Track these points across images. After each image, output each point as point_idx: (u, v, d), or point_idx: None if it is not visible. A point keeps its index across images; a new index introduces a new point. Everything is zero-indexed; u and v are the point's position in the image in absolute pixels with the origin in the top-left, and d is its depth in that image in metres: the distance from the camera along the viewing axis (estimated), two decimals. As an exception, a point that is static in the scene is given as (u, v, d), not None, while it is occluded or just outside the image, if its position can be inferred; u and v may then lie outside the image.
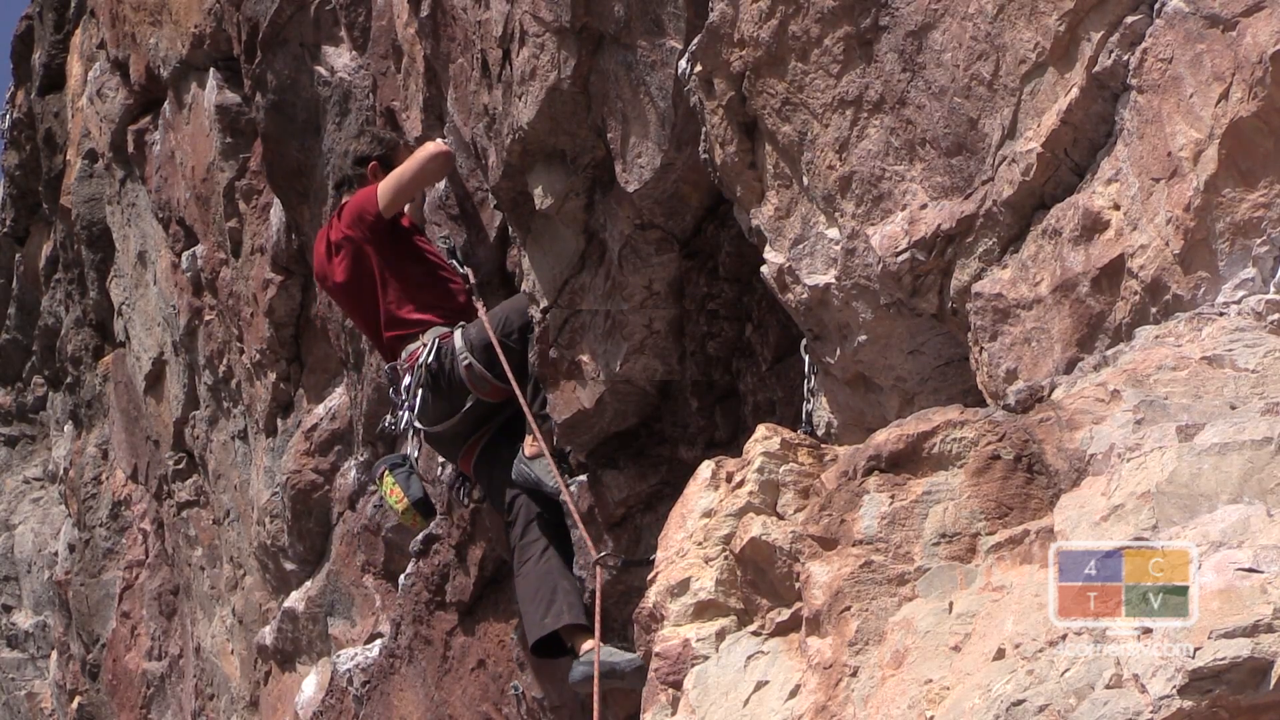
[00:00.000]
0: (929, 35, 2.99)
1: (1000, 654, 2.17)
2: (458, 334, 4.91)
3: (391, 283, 5.07)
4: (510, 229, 5.19)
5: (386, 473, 5.14)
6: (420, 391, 4.83)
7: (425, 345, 4.94)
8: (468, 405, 4.91)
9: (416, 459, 5.16)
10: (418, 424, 4.94)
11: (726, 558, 2.91)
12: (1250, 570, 1.93)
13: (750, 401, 4.60)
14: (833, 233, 3.40)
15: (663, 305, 4.73)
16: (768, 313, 4.37)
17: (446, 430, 4.93)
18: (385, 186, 5.08)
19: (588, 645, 4.75)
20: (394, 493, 5.09)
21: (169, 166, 8.51)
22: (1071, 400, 2.50)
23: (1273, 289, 2.42)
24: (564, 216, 4.76)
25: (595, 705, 4.05)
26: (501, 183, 4.85)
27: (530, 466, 4.84)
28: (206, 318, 8.35)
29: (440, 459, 5.41)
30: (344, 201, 5.39)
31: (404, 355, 5.00)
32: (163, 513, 9.80)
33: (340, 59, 6.45)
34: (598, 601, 4.50)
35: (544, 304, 5.00)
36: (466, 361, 4.84)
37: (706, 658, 2.82)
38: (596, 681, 4.23)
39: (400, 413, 4.94)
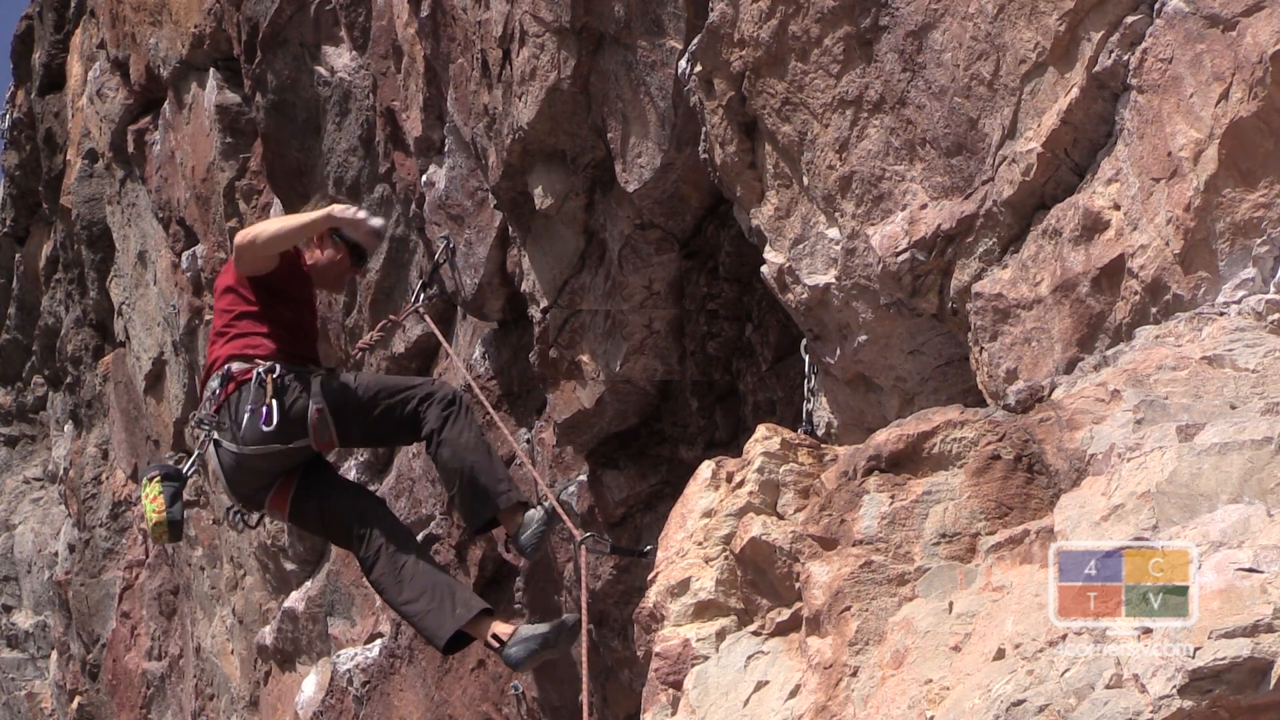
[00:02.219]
0: (929, 35, 2.99)
1: (1000, 654, 2.17)
2: (315, 379, 4.88)
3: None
4: (510, 229, 5.20)
5: (157, 479, 5.05)
6: (273, 403, 4.77)
7: (264, 366, 4.89)
8: (293, 445, 4.87)
9: (190, 475, 5.08)
10: (226, 442, 4.88)
11: (726, 558, 2.91)
12: (1250, 570, 1.93)
13: (750, 401, 4.60)
14: (833, 233, 3.40)
15: (663, 305, 4.73)
16: (768, 313, 4.37)
17: (256, 457, 4.88)
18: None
19: (504, 629, 4.78)
20: (155, 500, 4.98)
21: (169, 166, 8.51)
22: (1071, 400, 2.50)
23: (1273, 289, 2.42)
24: (564, 216, 4.76)
25: (585, 703, 4.05)
26: (501, 183, 4.85)
27: (527, 532, 4.80)
28: (207, 317, 8.34)
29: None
30: None
31: (231, 368, 4.94)
32: (163, 513, 9.80)
33: (340, 59, 6.45)
34: (584, 586, 4.51)
35: (544, 304, 5.01)
36: (319, 406, 4.81)
37: (706, 658, 2.82)
38: (585, 680, 4.22)
39: (245, 416, 4.83)
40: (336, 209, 5.18)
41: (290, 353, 5.00)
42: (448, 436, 4.80)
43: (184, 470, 5.08)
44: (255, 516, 5.17)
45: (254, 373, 4.84)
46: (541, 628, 4.74)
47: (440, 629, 4.81)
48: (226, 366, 4.94)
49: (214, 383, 4.98)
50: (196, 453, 5.13)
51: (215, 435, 4.93)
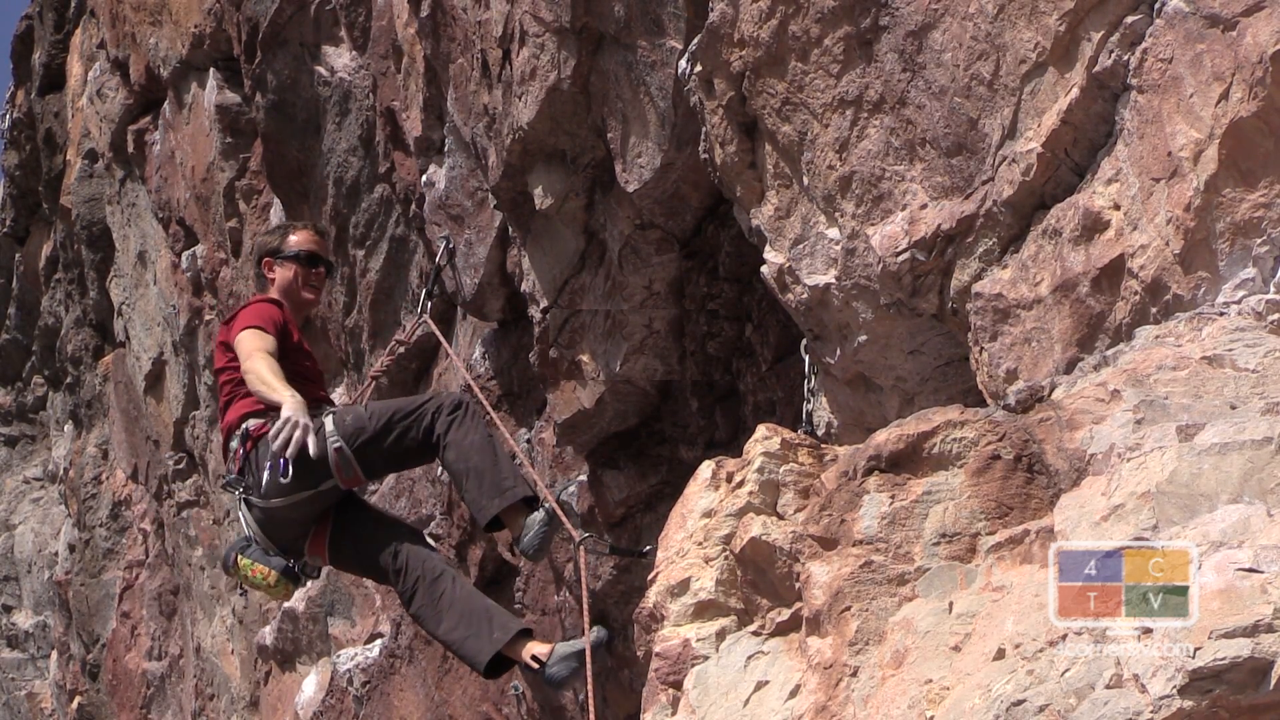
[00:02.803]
0: (929, 35, 2.99)
1: (1000, 654, 2.17)
2: (328, 418, 4.88)
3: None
4: (510, 229, 5.20)
5: (239, 556, 5.06)
6: (284, 462, 4.78)
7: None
8: (321, 488, 4.89)
9: (253, 538, 5.11)
10: (255, 499, 4.90)
11: (726, 558, 2.91)
12: (1250, 570, 1.93)
13: (750, 401, 4.60)
14: (833, 233, 3.40)
15: (663, 305, 4.73)
16: (768, 313, 4.37)
17: (286, 507, 4.90)
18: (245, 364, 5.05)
19: (542, 649, 4.79)
20: (257, 571, 5.02)
21: (169, 166, 8.52)
22: (1071, 400, 2.50)
23: (1273, 289, 2.42)
24: (564, 216, 4.76)
25: (591, 701, 4.05)
26: (501, 183, 4.85)
27: (529, 534, 4.81)
28: (206, 318, 8.36)
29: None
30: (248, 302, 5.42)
31: (248, 426, 4.96)
32: (163, 513, 9.81)
33: (340, 59, 6.45)
34: (584, 586, 4.50)
35: (544, 304, 5.01)
36: (337, 445, 4.82)
37: (706, 658, 2.82)
38: (590, 676, 4.22)
39: (265, 472, 4.85)
40: (285, 411, 4.97)
41: (309, 399, 5.01)
42: (452, 439, 4.82)
43: (249, 536, 5.10)
44: (314, 569, 5.19)
45: (268, 427, 4.86)
46: (579, 644, 4.71)
47: (480, 654, 4.83)
48: (244, 425, 4.98)
49: (234, 443, 5.02)
50: (240, 514, 5.14)
51: (242, 494, 4.96)
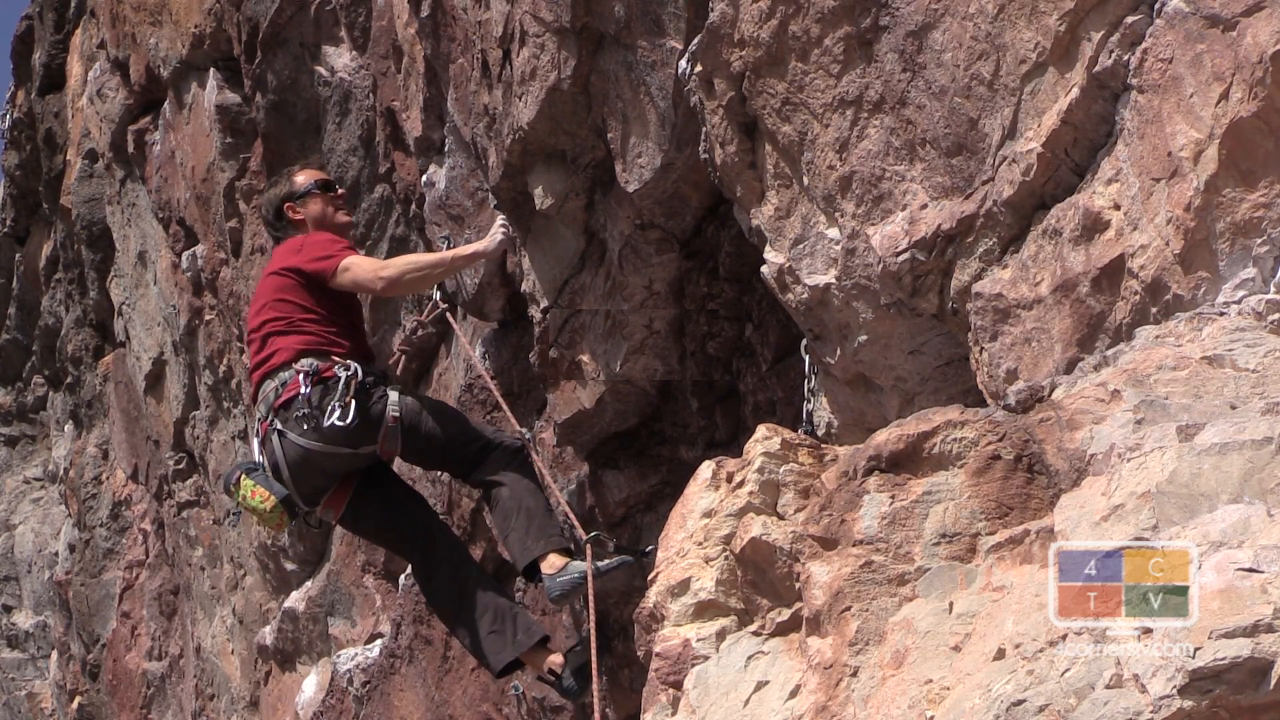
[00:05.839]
0: (929, 35, 2.99)
1: (1000, 654, 2.17)
2: (393, 391, 4.85)
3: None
4: (510, 229, 5.19)
5: (244, 476, 4.95)
6: (352, 402, 4.75)
7: (345, 366, 4.85)
8: (360, 450, 4.85)
9: (263, 465, 5.02)
10: (301, 439, 4.77)
11: (727, 558, 2.91)
12: (1250, 570, 1.93)
13: (750, 401, 4.60)
14: (833, 233, 3.41)
15: (663, 305, 4.73)
16: (768, 313, 4.37)
17: (324, 455, 4.85)
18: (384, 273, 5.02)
19: (556, 660, 4.80)
20: (257, 494, 4.89)
21: (169, 166, 8.51)
22: (1072, 400, 2.50)
23: (1273, 289, 2.42)
24: (564, 216, 4.76)
25: (595, 703, 4.05)
26: (501, 183, 4.85)
27: (565, 577, 4.76)
28: (207, 318, 8.36)
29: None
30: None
31: (315, 363, 4.88)
32: (163, 513, 9.81)
33: (340, 59, 6.45)
34: (589, 584, 4.50)
35: (544, 304, 5.01)
36: (396, 412, 4.79)
37: (707, 658, 2.82)
38: (595, 681, 4.22)
39: (332, 409, 4.78)
40: (490, 244, 5.12)
41: (364, 354, 4.98)
42: (507, 480, 4.78)
43: (259, 460, 5.00)
44: (314, 516, 5.11)
45: (334, 370, 4.80)
46: (585, 654, 4.70)
47: (500, 654, 4.81)
48: (301, 360, 4.86)
49: (284, 374, 4.87)
50: (256, 443, 5.04)
51: (281, 428, 4.85)
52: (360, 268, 4.92)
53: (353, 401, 4.71)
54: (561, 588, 4.62)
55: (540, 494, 4.82)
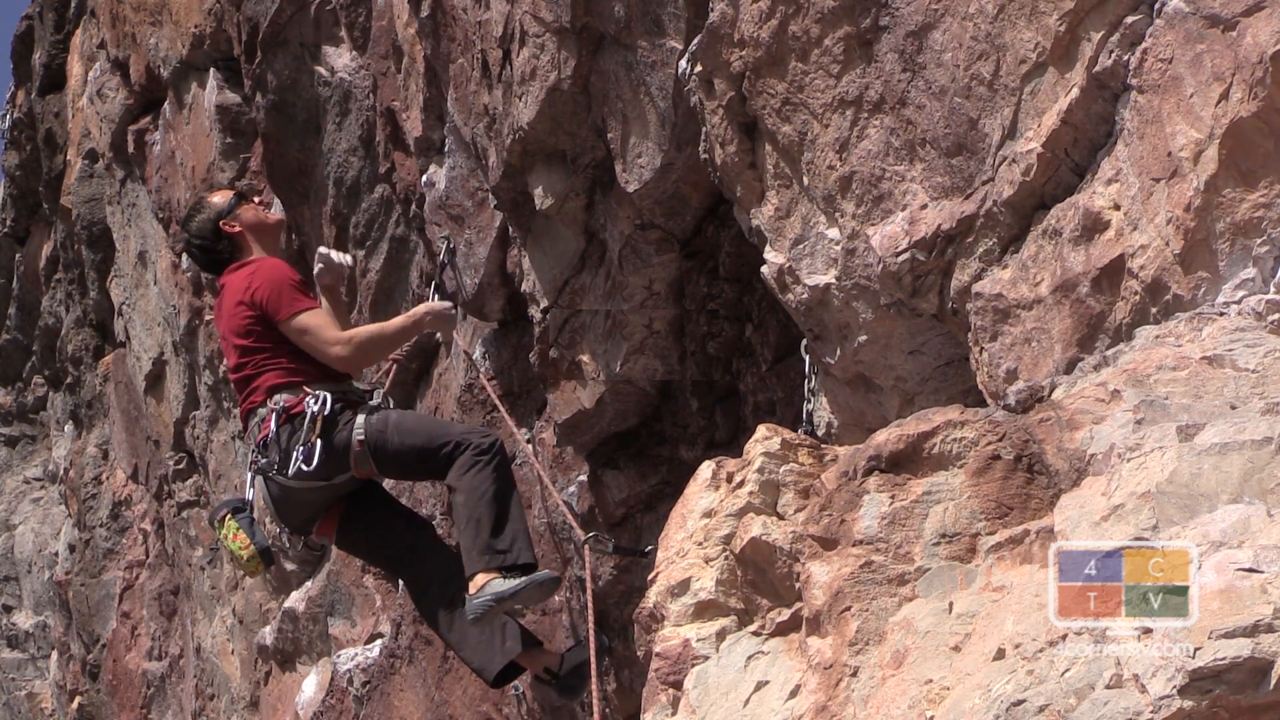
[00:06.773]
0: (929, 35, 2.99)
1: (1000, 654, 2.17)
2: (360, 415, 4.84)
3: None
4: (510, 229, 5.20)
5: (229, 517, 4.98)
6: (317, 442, 4.75)
7: (315, 397, 4.85)
8: (335, 480, 4.86)
9: (250, 504, 5.03)
10: (279, 476, 4.83)
11: (727, 558, 2.91)
12: (1250, 570, 1.93)
13: (750, 401, 4.60)
14: (833, 233, 3.40)
15: (663, 305, 4.73)
16: (768, 313, 4.37)
17: (304, 490, 4.85)
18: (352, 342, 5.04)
19: (552, 660, 4.85)
20: (237, 538, 4.93)
21: (169, 166, 8.52)
22: (1072, 400, 2.50)
23: (1273, 289, 2.42)
24: (564, 216, 4.76)
25: (595, 703, 4.04)
26: (501, 183, 4.85)
27: (479, 599, 4.72)
28: (207, 318, 8.35)
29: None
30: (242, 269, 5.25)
31: (283, 400, 4.88)
32: (163, 513, 9.81)
33: (340, 59, 6.45)
34: (588, 583, 4.50)
35: (544, 304, 5.01)
36: (361, 436, 4.79)
37: (707, 658, 2.82)
38: (595, 681, 4.22)
39: (296, 454, 4.79)
40: (429, 309, 5.22)
41: (330, 375, 4.97)
42: (462, 486, 4.74)
43: (248, 499, 5.03)
44: (300, 542, 5.16)
45: (304, 404, 4.81)
46: (585, 653, 4.68)
47: (490, 663, 4.80)
48: (274, 398, 4.90)
49: (261, 411, 4.92)
50: (249, 478, 5.07)
51: (261, 466, 4.90)
52: (318, 335, 4.92)
53: (317, 441, 4.73)
54: (475, 610, 4.58)
55: (502, 496, 4.74)
